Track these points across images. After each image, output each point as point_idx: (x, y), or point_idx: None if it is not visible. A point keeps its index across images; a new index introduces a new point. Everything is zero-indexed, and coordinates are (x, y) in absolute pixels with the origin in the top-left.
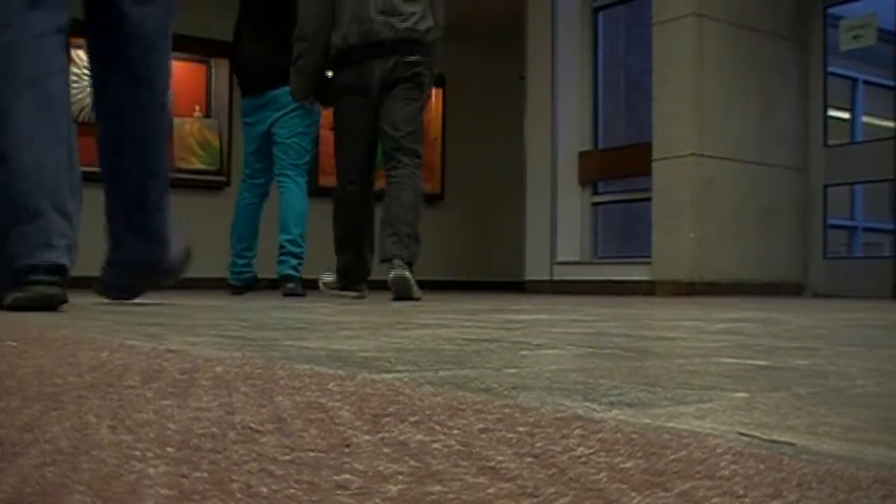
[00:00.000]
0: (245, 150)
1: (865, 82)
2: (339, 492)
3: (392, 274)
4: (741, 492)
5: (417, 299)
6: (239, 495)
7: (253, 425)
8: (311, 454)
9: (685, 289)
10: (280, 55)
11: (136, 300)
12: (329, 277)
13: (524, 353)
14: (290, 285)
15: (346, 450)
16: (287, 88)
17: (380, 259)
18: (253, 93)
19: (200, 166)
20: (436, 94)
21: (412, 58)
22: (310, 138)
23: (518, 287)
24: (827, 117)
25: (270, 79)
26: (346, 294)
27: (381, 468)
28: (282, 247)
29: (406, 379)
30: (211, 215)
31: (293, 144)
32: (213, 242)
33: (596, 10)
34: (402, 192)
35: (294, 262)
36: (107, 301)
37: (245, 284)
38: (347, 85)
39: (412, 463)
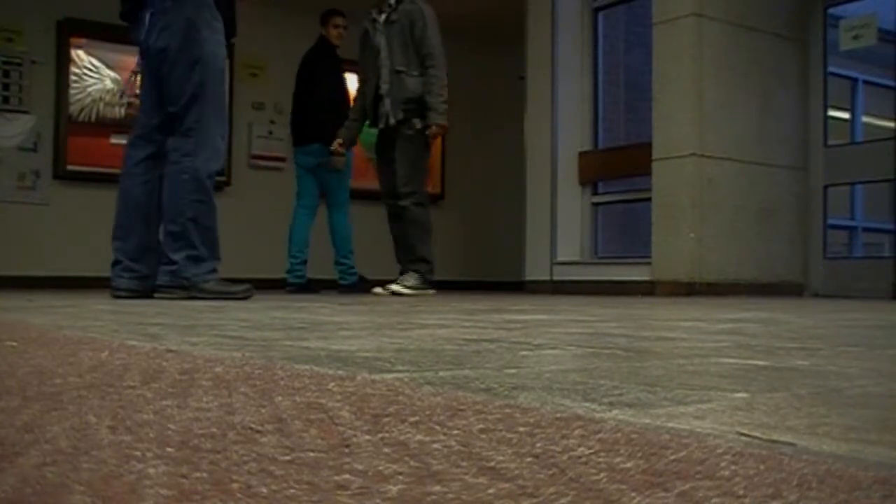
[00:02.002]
0: (298, 179)
1: (865, 82)
2: (339, 492)
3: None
4: (741, 492)
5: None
6: (239, 495)
7: (253, 425)
8: (311, 454)
9: (685, 289)
10: (320, 117)
11: (136, 301)
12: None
13: (524, 353)
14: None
15: (346, 450)
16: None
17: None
18: (298, 144)
19: None
20: None
21: None
22: (349, 177)
23: (518, 287)
24: (827, 117)
25: (314, 135)
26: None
27: (381, 468)
28: (335, 261)
29: (406, 379)
30: None
31: (339, 184)
32: None
33: (596, 10)
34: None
35: (340, 269)
36: (107, 301)
37: (300, 285)
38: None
39: (412, 463)
